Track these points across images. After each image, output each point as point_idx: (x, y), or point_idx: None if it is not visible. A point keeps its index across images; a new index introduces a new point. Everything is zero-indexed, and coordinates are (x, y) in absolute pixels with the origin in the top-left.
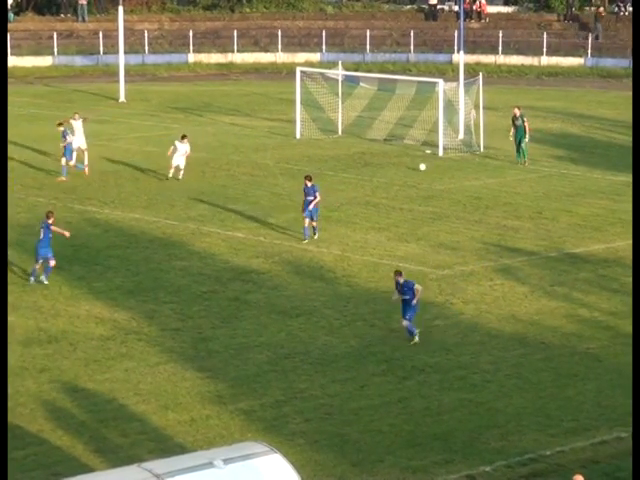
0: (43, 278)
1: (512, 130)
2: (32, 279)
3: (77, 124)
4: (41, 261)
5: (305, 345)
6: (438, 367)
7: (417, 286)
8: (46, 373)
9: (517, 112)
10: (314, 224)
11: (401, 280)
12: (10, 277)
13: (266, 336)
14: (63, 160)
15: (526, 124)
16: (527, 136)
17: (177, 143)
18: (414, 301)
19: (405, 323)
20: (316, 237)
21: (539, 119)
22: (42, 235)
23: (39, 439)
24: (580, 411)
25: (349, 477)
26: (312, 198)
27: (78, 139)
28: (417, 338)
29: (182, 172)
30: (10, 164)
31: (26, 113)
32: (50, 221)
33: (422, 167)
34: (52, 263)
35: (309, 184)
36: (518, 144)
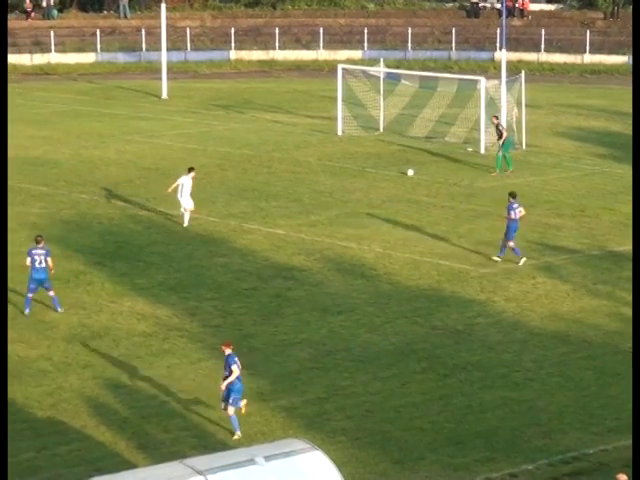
0: (59, 309)
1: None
2: (28, 310)
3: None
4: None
5: (346, 342)
6: (480, 365)
7: (234, 367)
8: (89, 369)
9: (495, 120)
10: (511, 244)
11: (225, 352)
12: (54, 273)
13: (307, 333)
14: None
15: (503, 132)
16: (501, 142)
17: (184, 178)
18: (222, 385)
19: (231, 411)
20: (522, 262)
21: (582, 117)
22: (39, 262)
23: (82, 435)
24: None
25: (391, 474)
26: (510, 216)
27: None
28: (238, 434)
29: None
30: (54, 160)
31: (69, 110)
32: (41, 245)
33: (410, 173)
34: (52, 293)
35: (512, 200)
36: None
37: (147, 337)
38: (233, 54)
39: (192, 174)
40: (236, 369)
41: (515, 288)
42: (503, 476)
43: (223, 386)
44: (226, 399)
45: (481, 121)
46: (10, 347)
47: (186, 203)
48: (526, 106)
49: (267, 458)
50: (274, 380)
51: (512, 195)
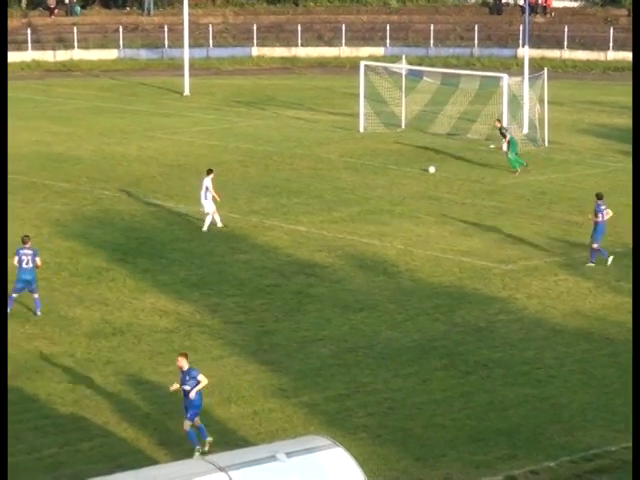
0: (38, 312)
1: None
2: (9, 309)
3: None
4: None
5: (368, 339)
6: (501, 362)
7: (201, 377)
8: (111, 365)
9: (497, 124)
10: (595, 246)
11: (185, 366)
12: (76, 269)
13: (329, 330)
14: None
15: (506, 134)
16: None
17: (206, 180)
18: (192, 393)
19: (187, 425)
20: (610, 260)
21: (605, 114)
22: (26, 262)
23: (105, 431)
24: None
25: (412, 471)
26: (597, 219)
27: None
28: (206, 448)
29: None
30: (77, 156)
31: (92, 106)
32: (28, 245)
33: (431, 170)
34: (36, 296)
35: (599, 202)
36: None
37: (169, 333)
38: (255, 51)
39: (211, 176)
40: (204, 378)
41: (537, 285)
42: (525, 473)
43: (193, 393)
44: (185, 414)
45: (504, 118)
46: (33, 343)
47: (208, 206)
48: (549, 103)
49: (289, 454)
50: (296, 377)
51: (599, 196)
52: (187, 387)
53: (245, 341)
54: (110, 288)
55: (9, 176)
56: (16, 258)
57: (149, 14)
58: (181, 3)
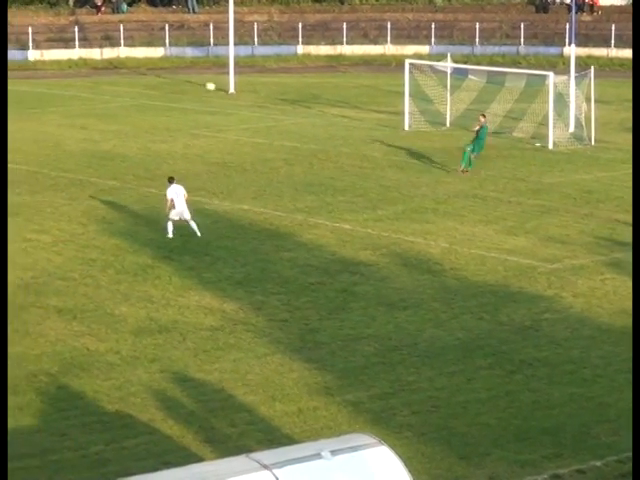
0: None
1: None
2: None
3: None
4: None
5: (412, 337)
6: (547, 361)
7: None
8: (157, 363)
9: (482, 119)
10: None
11: None
12: (122, 267)
13: (374, 328)
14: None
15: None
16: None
17: (179, 187)
18: None
19: None
20: None
21: None
22: None
23: (150, 428)
24: None
25: (456, 470)
26: None
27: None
28: None
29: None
30: (123, 154)
31: (138, 104)
32: None
33: (210, 86)
34: None
35: None
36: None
37: (214, 331)
38: (300, 49)
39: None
40: None
41: (583, 284)
42: (571, 472)
43: None
44: None
45: (549, 116)
46: (79, 340)
47: (187, 213)
48: (595, 102)
49: (333, 452)
50: (340, 375)
51: None
52: None
53: (289, 339)
54: (155, 286)
55: (56, 174)
56: None
57: (194, 12)
58: (226, 1)
